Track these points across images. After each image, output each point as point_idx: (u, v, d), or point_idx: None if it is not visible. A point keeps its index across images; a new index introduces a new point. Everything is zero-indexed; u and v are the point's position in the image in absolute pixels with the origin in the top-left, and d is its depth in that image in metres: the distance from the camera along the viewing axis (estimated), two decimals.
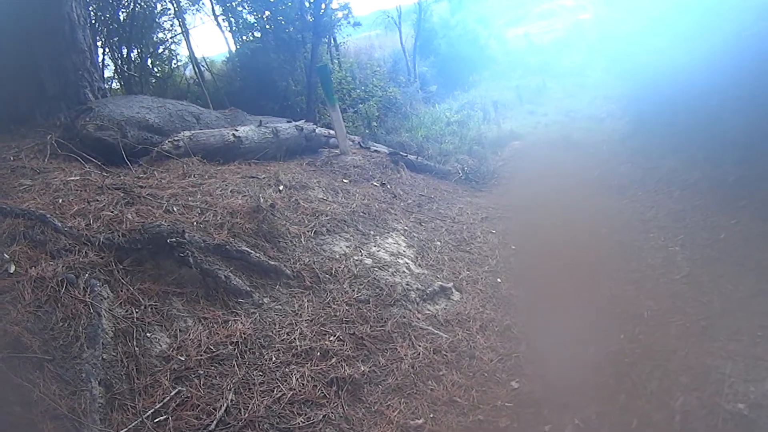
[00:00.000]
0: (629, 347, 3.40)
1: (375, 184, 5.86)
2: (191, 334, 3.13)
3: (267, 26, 10.41)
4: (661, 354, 3.28)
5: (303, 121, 7.05)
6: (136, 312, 3.12)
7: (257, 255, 3.80)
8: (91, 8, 8.27)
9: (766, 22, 5.55)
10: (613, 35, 11.85)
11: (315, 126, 6.97)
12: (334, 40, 11.81)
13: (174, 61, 10.44)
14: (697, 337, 3.38)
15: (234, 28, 10.70)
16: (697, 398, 2.87)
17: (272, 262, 3.83)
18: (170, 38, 10.13)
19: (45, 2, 5.67)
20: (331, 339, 3.33)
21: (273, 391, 2.90)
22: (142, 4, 9.52)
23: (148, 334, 3.05)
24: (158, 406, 2.70)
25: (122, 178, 4.52)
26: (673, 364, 3.17)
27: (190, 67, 10.36)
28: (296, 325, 3.39)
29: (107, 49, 9.18)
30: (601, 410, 2.94)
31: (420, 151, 7.97)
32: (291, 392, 2.90)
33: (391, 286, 3.95)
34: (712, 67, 5.86)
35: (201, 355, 3.01)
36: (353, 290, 3.83)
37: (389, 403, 3.01)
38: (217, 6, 10.44)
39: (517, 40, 16.77)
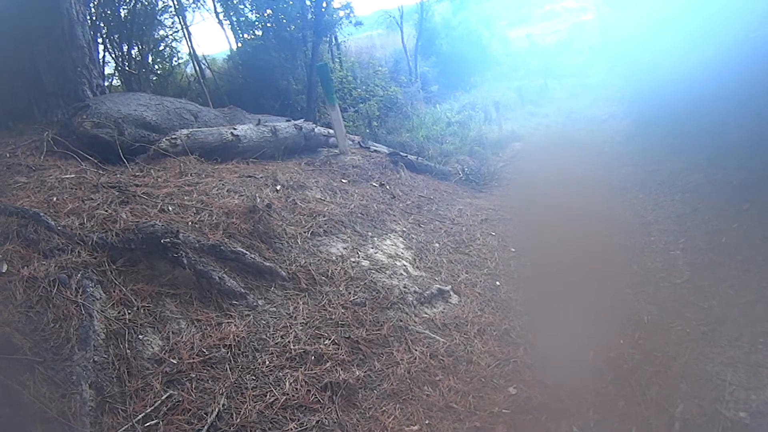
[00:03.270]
0: (629, 352, 3.37)
1: (374, 184, 5.81)
2: (184, 337, 3.07)
3: (268, 24, 10.41)
4: (661, 360, 3.25)
5: (302, 120, 7.01)
6: (129, 313, 3.06)
7: (252, 256, 3.75)
8: (91, 4, 8.24)
9: None
10: (615, 37, 11.85)
11: (314, 125, 6.93)
12: (336, 39, 11.81)
13: (175, 59, 10.42)
14: (697, 342, 3.35)
15: (235, 26, 10.69)
16: (697, 405, 2.85)
17: (267, 264, 3.78)
18: (171, 35, 10.10)
19: None
20: (326, 342, 3.27)
21: (266, 396, 2.85)
22: (144, 1, 9.49)
23: (140, 336, 2.99)
24: (149, 410, 2.65)
25: (118, 176, 4.48)
26: (674, 371, 3.15)
27: (191, 64, 10.33)
28: (291, 328, 3.34)
29: (108, 46, 9.15)
30: (600, 417, 2.91)
31: (420, 152, 7.93)
32: (284, 397, 2.85)
33: (388, 288, 3.90)
34: (716, 70, 5.82)
35: (193, 358, 2.96)
36: (349, 293, 3.77)
37: (384, 408, 2.96)
38: (218, 4, 10.45)
39: (519, 41, 16.82)
